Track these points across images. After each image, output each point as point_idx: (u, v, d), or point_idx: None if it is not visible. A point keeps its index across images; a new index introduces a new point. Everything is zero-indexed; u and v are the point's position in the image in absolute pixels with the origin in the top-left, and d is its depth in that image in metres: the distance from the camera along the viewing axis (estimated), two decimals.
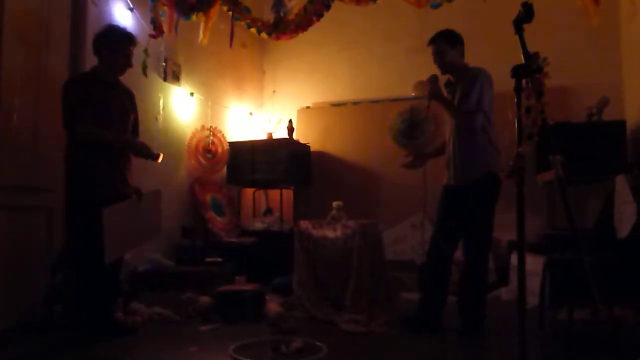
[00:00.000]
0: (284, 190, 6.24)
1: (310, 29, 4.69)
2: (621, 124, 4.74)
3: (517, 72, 2.07)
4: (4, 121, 3.54)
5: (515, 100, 2.08)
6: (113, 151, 3.38)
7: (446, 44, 3.52)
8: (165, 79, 5.27)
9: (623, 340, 3.09)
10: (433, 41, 3.57)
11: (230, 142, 6.16)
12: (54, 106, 3.38)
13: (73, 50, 4.12)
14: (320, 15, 4.56)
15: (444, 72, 3.60)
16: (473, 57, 3.66)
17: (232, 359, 2.82)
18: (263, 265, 5.14)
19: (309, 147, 6.51)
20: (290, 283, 4.38)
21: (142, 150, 3.50)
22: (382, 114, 6.35)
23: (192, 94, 5.73)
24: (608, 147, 4.62)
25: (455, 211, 3.51)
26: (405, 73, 5.91)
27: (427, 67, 3.71)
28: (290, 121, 6.33)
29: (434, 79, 3.45)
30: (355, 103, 6.63)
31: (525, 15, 2.04)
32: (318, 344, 3.01)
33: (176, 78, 5.48)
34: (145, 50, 4.51)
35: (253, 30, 4.82)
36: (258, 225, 5.93)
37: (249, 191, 6.55)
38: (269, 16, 4.75)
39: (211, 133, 5.86)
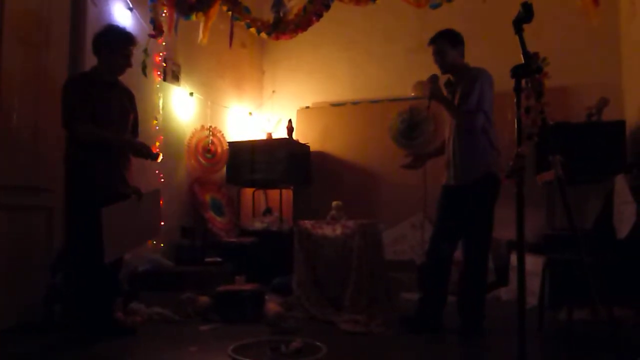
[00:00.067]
0: (284, 190, 6.24)
1: (310, 29, 4.69)
2: (621, 124, 4.74)
3: (517, 72, 2.07)
4: (4, 121, 3.54)
5: (515, 100, 2.08)
6: (113, 151, 3.38)
7: (447, 43, 3.52)
8: (164, 79, 5.27)
9: (623, 340, 3.08)
10: (433, 41, 3.56)
11: (229, 142, 6.16)
12: (54, 106, 3.37)
13: (73, 50, 4.12)
14: (319, 15, 4.56)
15: (444, 72, 3.60)
16: (473, 57, 3.66)
17: (232, 359, 2.82)
18: (262, 265, 5.15)
19: (308, 147, 6.51)
20: (289, 283, 4.38)
21: (141, 150, 3.51)
22: (381, 114, 6.36)
23: (191, 93, 5.73)
24: (608, 147, 4.62)
25: (455, 211, 3.51)
26: (404, 73, 5.90)
27: (426, 67, 3.71)
28: (290, 121, 6.33)
29: (434, 78, 3.44)
30: (354, 103, 6.63)
31: (525, 15, 2.04)
32: (317, 344, 3.00)
33: (176, 78, 5.48)
34: (145, 50, 4.51)
35: (253, 30, 4.82)
36: (257, 225, 5.93)
37: (248, 191, 6.55)
38: (269, 16, 4.76)
39: (211, 133, 5.86)
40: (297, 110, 6.90)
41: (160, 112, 5.16)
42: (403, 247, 5.78)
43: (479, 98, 3.37)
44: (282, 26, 4.68)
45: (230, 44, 4.78)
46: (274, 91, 7.19)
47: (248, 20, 4.80)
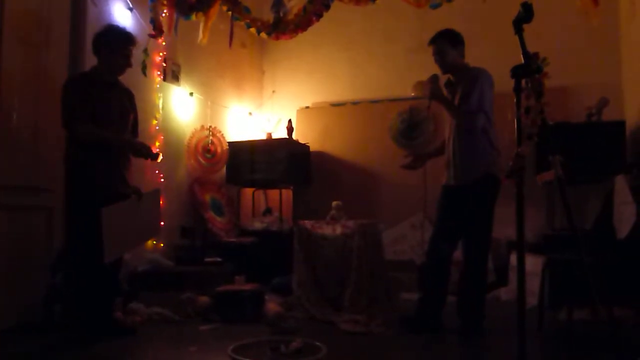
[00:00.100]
0: (284, 190, 6.23)
1: (310, 29, 4.69)
2: (621, 124, 4.74)
3: (517, 72, 2.07)
4: (4, 121, 3.54)
5: (515, 100, 2.08)
6: (113, 151, 3.38)
7: (447, 43, 3.52)
8: (164, 79, 5.27)
9: (623, 340, 3.08)
10: (434, 41, 3.56)
11: (229, 142, 6.16)
12: (54, 106, 3.37)
13: (73, 50, 4.12)
14: (319, 15, 4.56)
15: (444, 72, 3.60)
16: (473, 57, 3.66)
17: (232, 359, 2.82)
18: (262, 265, 5.14)
19: (308, 147, 6.51)
20: (289, 283, 4.38)
21: (141, 150, 3.50)
22: (381, 114, 6.36)
23: (191, 93, 5.73)
24: (607, 148, 4.62)
25: (455, 211, 3.51)
26: (404, 73, 5.90)
27: (426, 67, 3.71)
28: (290, 121, 6.33)
29: (434, 78, 3.44)
30: (354, 103, 6.63)
31: (525, 15, 2.04)
32: (317, 344, 3.00)
33: (176, 78, 5.48)
34: (145, 50, 4.51)
35: (252, 30, 4.82)
36: (257, 225, 5.93)
37: (248, 191, 6.55)
38: (269, 16, 4.75)
39: (210, 133, 5.86)
40: (297, 110, 6.89)
41: (160, 112, 5.16)
42: (403, 247, 5.78)
43: (480, 98, 3.37)
44: (282, 26, 4.67)
45: (230, 44, 4.78)
46: (273, 91, 7.19)
47: (248, 20, 4.80)
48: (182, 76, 5.58)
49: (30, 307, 3.61)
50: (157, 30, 4.54)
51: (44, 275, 3.70)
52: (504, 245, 5.14)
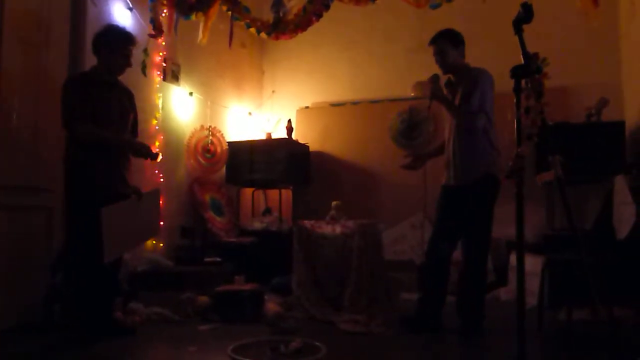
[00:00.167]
0: (283, 190, 6.24)
1: (310, 29, 4.69)
2: (620, 124, 4.74)
3: (517, 72, 2.07)
4: (4, 121, 3.54)
5: (515, 100, 2.08)
6: (113, 151, 3.38)
7: (448, 44, 3.51)
8: (164, 79, 5.27)
9: (623, 340, 3.08)
10: (434, 41, 3.55)
11: (229, 142, 6.16)
12: (54, 106, 3.37)
13: (73, 50, 4.12)
14: (319, 15, 4.56)
15: (445, 72, 3.59)
16: (473, 57, 3.66)
17: (231, 359, 2.82)
18: (262, 265, 5.15)
19: (308, 147, 6.51)
20: (289, 283, 4.38)
21: (141, 150, 3.50)
22: (381, 114, 6.36)
23: (191, 93, 5.73)
24: (607, 148, 4.62)
25: (455, 211, 3.51)
26: (404, 73, 5.92)
27: (426, 67, 3.71)
28: (290, 121, 6.33)
29: (435, 78, 3.43)
30: (354, 103, 6.63)
31: (525, 15, 2.04)
32: (317, 344, 3.00)
33: (175, 78, 5.48)
34: (145, 50, 4.51)
35: (252, 30, 4.82)
36: (257, 225, 5.93)
37: (248, 191, 6.55)
38: (269, 16, 4.76)
39: (210, 133, 5.86)
40: (297, 110, 6.89)
41: (160, 111, 5.16)
42: (403, 247, 5.78)
43: (481, 99, 3.36)
44: (281, 26, 4.68)
45: (230, 44, 4.78)
46: (273, 91, 7.19)
47: (248, 20, 4.80)
48: (182, 76, 5.58)
49: (30, 307, 3.61)
50: (157, 30, 4.54)
51: (43, 275, 3.70)
52: (503, 245, 5.13)
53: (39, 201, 3.79)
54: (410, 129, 6.19)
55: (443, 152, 3.71)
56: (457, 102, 3.49)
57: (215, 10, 4.70)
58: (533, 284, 3.79)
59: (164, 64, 5.24)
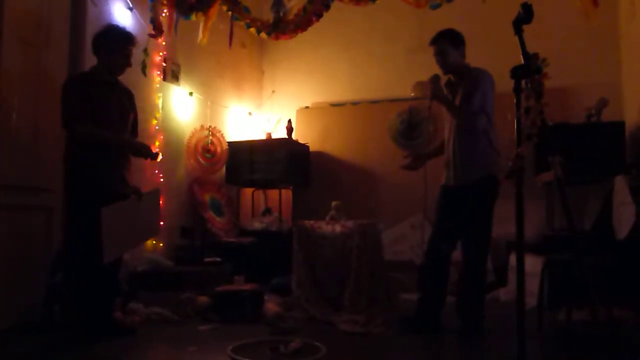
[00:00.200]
0: (283, 190, 6.24)
1: (310, 29, 4.70)
2: (620, 125, 4.74)
3: (517, 72, 2.07)
4: (4, 121, 3.54)
5: (515, 101, 2.08)
6: (112, 151, 3.38)
7: (448, 44, 3.49)
8: (164, 79, 5.27)
9: (622, 341, 3.08)
10: (435, 41, 3.53)
11: (229, 142, 6.16)
12: (54, 106, 3.37)
13: (73, 50, 4.12)
14: (319, 15, 4.56)
15: (446, 72, 3.58)
16: (473, 57, 3.65)
17: (231, 359, 2.83)
18: (262, 265, 5.15)
19: (308, 147, 6.51)
20: (289, 283, 4.38)
21: (141, 150, 3.50)
22: (381, 115, 6.35)
23: (191, 93, 5.73)
24: (607, 148, 4.62)
25: (454, 211, 3.51)
26: (404, 73, 5.92)
27: (426, 68, 3.71)
28: (290, 121, 6.34)
29: (436, 78, 3.43)
30: (354, 103, 6.63)
31: (525, 16, 2.05)
32: (317, 344, 3.01)
33: (175, 78, 5.48)
34: (145, 50, 4.51)
35: (252, 30, 4.83)
36: (257, 225, 5.93)
37: (247, 191, 6.55)
38: (269, 16, 4.76)
39: (210, 133, 5.86)
40: (297, 111, 6.89)
41: (160, 111, 5.16)
42: (403, 248, 5.78)
43: (482, 99, 3.35)
44: (281, 26, 4.68)
45: (230, 44, 4.78)
46: (273, 91, 7.19)
47: (248, 20, 4.80)
48: (181, 76, 5.58)
49: (30, 307, 3.61)
50: (157, 30, 4.54)
51: (43, 275, 3.70)
52: (503, 246, 5.13)
53: (38, 201, 3.79)
54: (410, 129, 6.19)
55: (443, 152, 3.71)
56: (457, 102, 3.49)
57: (215, 10, 4.71)
58: (533, 285, 3.79)
59: (164, 64, 5.24)
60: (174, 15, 4.72)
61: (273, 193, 6.55)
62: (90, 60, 3.63)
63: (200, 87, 5.90)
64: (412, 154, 4.00)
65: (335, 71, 6.79)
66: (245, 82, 6.96)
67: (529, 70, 2.09)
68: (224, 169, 6.14)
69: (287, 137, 6.25)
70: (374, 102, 6.49)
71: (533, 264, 3.96)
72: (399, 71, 6.23)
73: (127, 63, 3.48)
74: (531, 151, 4.63)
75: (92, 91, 3.31)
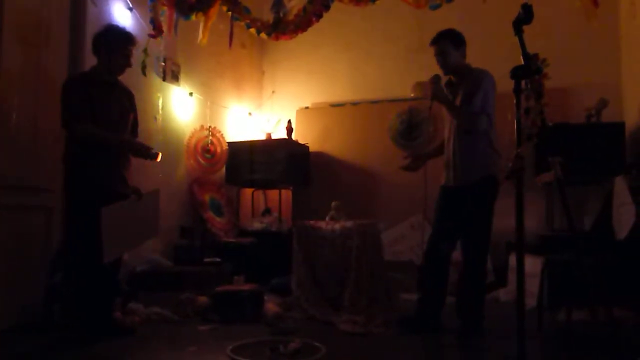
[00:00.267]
0: (283, 191, 6.24)
1: (310, 30, 4.69)
2: (620, 125, 4.75)
3: (517, 73, 2.07)
4: (4, 121, 3.54)
5: (515, 101, 2.08)
6: (112, 151, 3.38)
7: (449, 44, 3.48)
8: (164, 79, 5.27)
9: (622, 341, 3.08)
10: (436, 42, 3.51)
11: (229, 142, 6.16)
12: (54, 106, 3.37)
13: (73, 50, 4.12)
14: (319, 16, 4.56)
15: (446, 73, 3.56)
16: (473, 57, 3.65)
17: (231, 359, 2.82)
18: (261, 266, 5.15)
19: (307, 147, 6.52)
20: (288, 283, 4.38)
21: (141, 150, 3.50)
22: (381, 115, 6.36)
23: (191, 93, 5.73)
24: (607, 149, 4.62)
25: (454, 212, 3.51)
26: (404, 74, 5.93)
27: (426, 68, 3.72)
28: (289, 121, 6.34)
29: (436, 79, 3.42)
30: (354, 104, 6.63)
31: (525, 16, 2.05)
32: (316, 344, 3.01)
33: (175, 78, 5.48)
34: (145, 50, 4.51)
35: (252, 30, 4.82)
36: (257, 225, 5.93)
37: (247, 191, 6.55)
38: (269, 16, 4.75)
39: (210, 133, 5.86)
40: (297, 111, 6.89)
41: (160, 112, 5.16)
42: (402, 248, 5.78)
43: (483, 100, 3.35)
44: (281, 26, 4.67)
45: (230, 44, 4.78)
46: (273, 91, 7.19)
47: (248, 21, 4.80)
48: (181, 76, 5.57)
49: (30, 307, 3.61)
50: (156, 30, 4.54)
51: (43, 275, 3.70)
52: (503, 246, 5.14)
53: (38, 201, 3.79)
54: (410, 130, 6.19)
55: (442, 152, 3.70)
56: (458, 102, 3.48)
57: (215, 11, 4.70)
58: (532, 285, 3.79)
59: (164, 64, 5.23)
60: (174, 16, 4.72)
61: (273, 193, 6.55)
62: (90, 60, 3.63)
63: (200, 87, 5.90)
64: (412, 154, 3.99)
65: (335, 71, 6.80)
66: (245, 83, 6.96)
67: (529, 71, 2.10)
68: (223, 169, 6.15)
69: (287, 137, 6.25)
70: (373, 102, 6.49)
71: (533, 264, 3.96)
72: (399, 71, 6.23)
73: (127, 63, 3.48)
74: (531, 151, 4.64)
75: (92, 91, 3.31)
